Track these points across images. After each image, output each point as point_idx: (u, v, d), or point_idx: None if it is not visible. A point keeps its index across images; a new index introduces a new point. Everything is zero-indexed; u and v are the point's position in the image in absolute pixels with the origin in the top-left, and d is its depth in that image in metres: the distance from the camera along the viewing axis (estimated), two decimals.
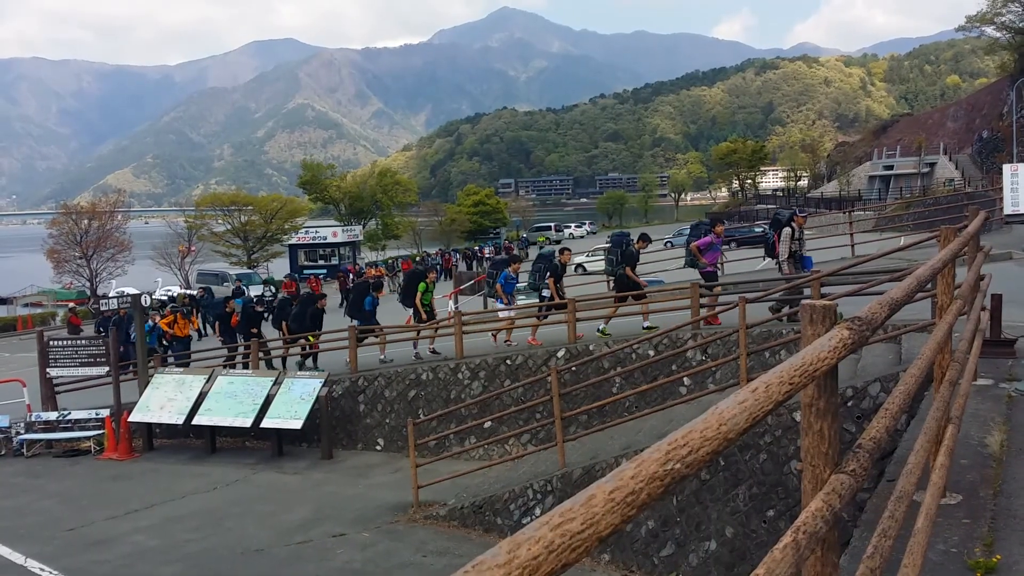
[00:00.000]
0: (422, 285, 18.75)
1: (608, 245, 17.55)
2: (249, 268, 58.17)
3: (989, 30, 74.53)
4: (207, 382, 19.08)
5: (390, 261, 56.36)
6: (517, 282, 18.48)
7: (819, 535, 1.95)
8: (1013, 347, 8.78)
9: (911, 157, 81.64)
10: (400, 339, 19.56)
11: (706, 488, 10.69)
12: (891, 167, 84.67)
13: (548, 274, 17.05)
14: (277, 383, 18.28)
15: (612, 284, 17.43)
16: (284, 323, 20.51)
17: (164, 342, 23.08)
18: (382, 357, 18.56)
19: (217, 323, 21.46)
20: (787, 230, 14.88)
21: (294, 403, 17.55)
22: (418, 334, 18.53)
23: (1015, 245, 22.10)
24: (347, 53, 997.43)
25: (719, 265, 17.07)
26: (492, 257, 48.91)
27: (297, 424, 17.26)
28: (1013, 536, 4.46)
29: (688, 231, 18.97)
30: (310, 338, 19.76)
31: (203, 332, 32.98)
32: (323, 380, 17.88)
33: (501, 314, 18.00)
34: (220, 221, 64.50)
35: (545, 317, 17.61)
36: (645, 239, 16.98)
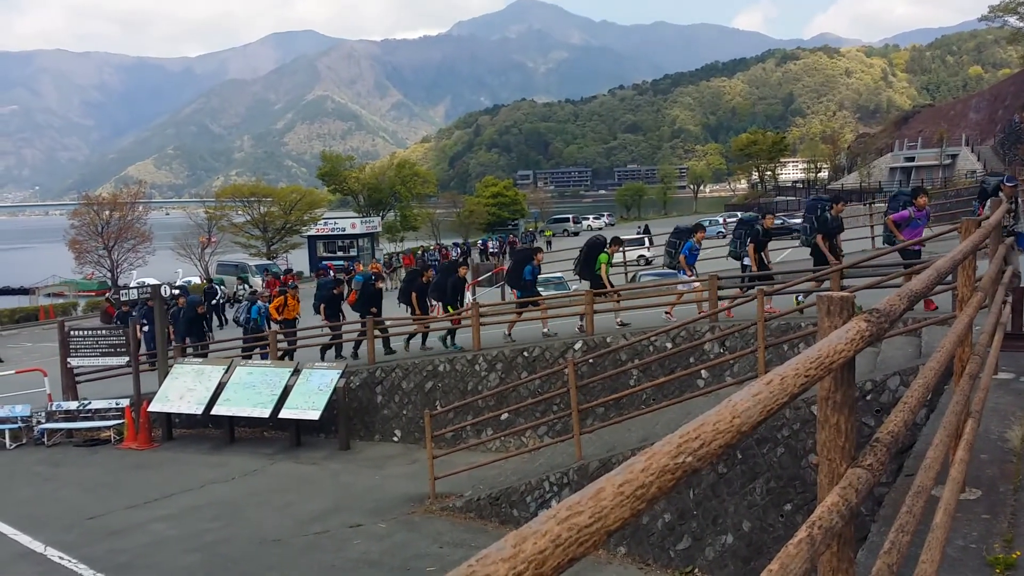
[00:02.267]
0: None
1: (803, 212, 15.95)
2: (268, 259, 58.43)
3: (1012, 20, 73.76)
4: (226, 372, 19.16)
5: (387, 257, 55.95)
6: (698, 255, 16.96)
7: (835, 530, 1.92)
8: None
9: (932, 149, 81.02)
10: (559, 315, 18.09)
11: (723, 481, 10.65)
12: (912, 159, 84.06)
13: (749, 240, 15.69)
14: (295, 373, 18.34)
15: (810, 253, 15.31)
16: (414, 295, 18.93)
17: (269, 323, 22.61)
18: (545, 331, 17.25)
19: (323, 306, 20.52)
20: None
21: (312, 394, 17.61)
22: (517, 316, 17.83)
23: None
24: (366, 45, 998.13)
25: (923, 244, 14.03)
26: (497, 251, 48.57)
27: (315, 415, 17.31)
28: None
29: (735, 223, 17.64)
30: (450, 309, 18.31)
31: (223, 322, 32.82)
32: (341, 371, 17.92)
33: (681, 287, 16.60)
34: (240, 212, 64.79)
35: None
36: (841, 200, 15.26)
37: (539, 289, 19.37)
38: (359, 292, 19.84)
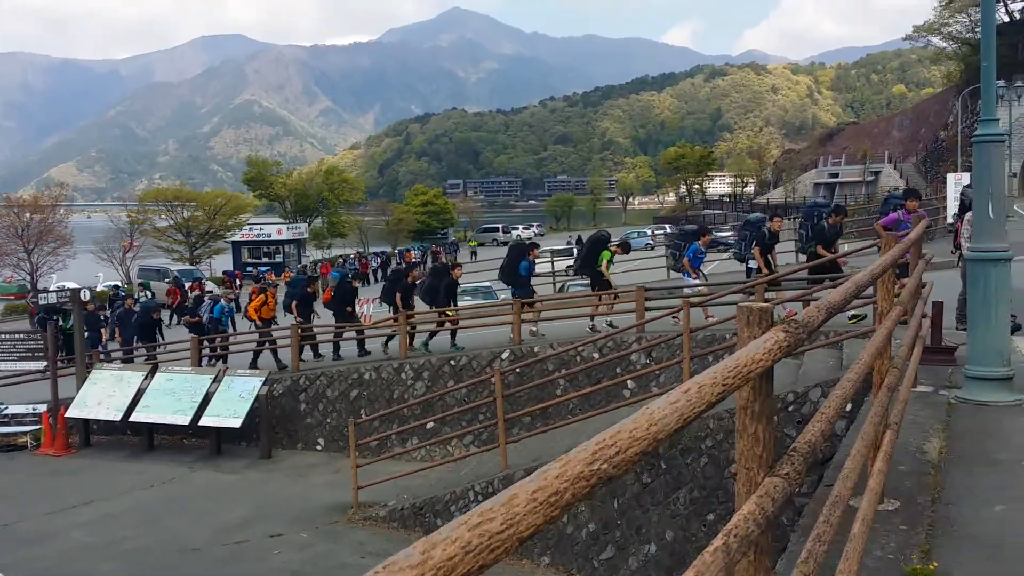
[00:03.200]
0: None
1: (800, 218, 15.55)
2: (192, 264, 57.34)
3: (936, 40, 76.08)
4: (146, 379, 18.74)
5: (304, 267, 54.70)
6: (705, 256, 16.67)
7: (751, 538, 1.93)
8: (953, 355, 8.91)
9: (856, 165, 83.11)
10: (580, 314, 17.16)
11: (647, 491, 10.73)
12: (836, 175, 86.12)
13: (755, 243, 15.03)
14: (216, 381, 18.00)
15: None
16: (399, 295, 18.07)
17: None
18: (533, 329, 16.77)
19: (295, 303, 19.70)
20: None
21: (233, 401, 17.30)
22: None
23: (946, 254, 22.55)
24: (295, 50, 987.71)
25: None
26: (419, 260, 48.25)
27: (236, 423, 17.01)
28: (950, 543, 4.50)
29: (743, 225, 16.69)
30: (448, 313, 17.62)
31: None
32: (264, 378, 17.65)
33: (687, 290, 15.83)
34: (163, 216, 63.49)
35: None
36: (840, 212, 14.72)
37: (466, 299, 19.23)
38: (334, 289, 19.45)
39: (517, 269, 16.95)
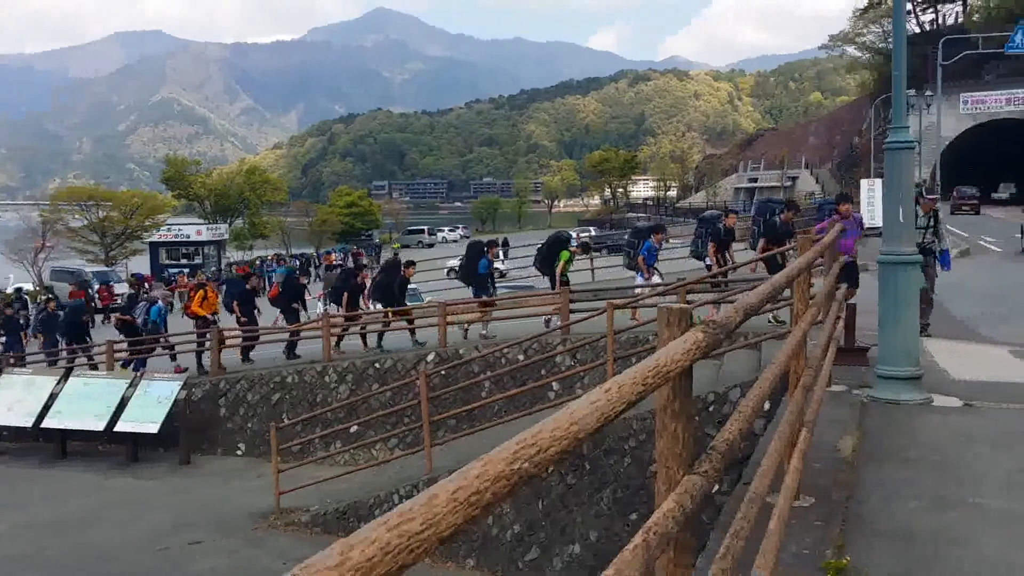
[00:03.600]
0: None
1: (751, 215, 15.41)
2: (107, 266, 55.92)
3: (851, 49, 78.18)
4: (59, 383, 18.23)
5: (212, 273, 53.27)
6: (658, 254, 16.49)
7: (670, 535, 1.96)
8: (866, 355, 9.16)
9: (775, 170, 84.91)
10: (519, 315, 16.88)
11: (572, 492, 10.80)
12: (756, 179, 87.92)
13: (711, 239, 14.85)
14: (133, 385, 17.59)
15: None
16: (347, 296, 17.66)
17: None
18: (484, 332, 16.49)
19: (236, 303, 18.77)
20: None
21: (151, 406, 16.91)
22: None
23: (871, 257, 23.15)
24: (217, 48, 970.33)
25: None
26: (340, 265, 47.75)
27: (154, 428, 16.63)
28: (863, 539, 4.63)
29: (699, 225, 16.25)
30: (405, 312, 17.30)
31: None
32: (182, 382, 17.31)
33: (638, 290, 15.73)
34: (77, 216, 61.79)
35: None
36: (793, 208, 14.49)
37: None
38: (281, 286, 18.96)
39: (476, 268, 16.81)
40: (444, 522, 1.09)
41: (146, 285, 34.48)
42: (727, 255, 15.15)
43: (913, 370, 7.66)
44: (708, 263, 15.14)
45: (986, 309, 15.60)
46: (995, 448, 6.30)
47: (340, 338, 17.96)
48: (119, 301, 33.49)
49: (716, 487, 2.54)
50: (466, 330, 16.69)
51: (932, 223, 12.14)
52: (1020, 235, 27.24)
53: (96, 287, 41.93)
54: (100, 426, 16.99)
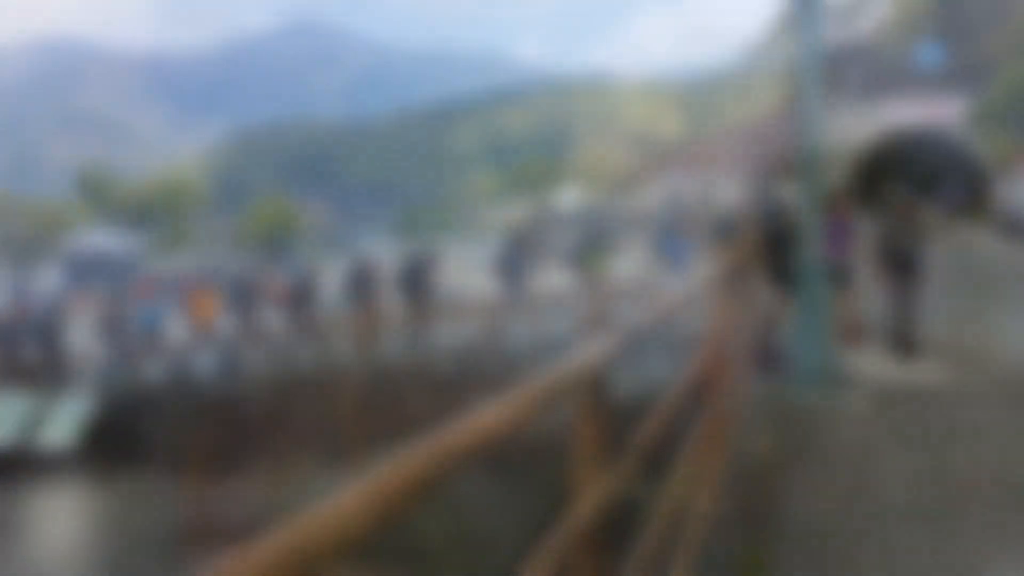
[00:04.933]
0: None
1: None
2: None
3: (772, 62, 79.90)
4: None
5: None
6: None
7: (586, 536, 1.99)
8: (781, 360, 9.36)
9: (698, 181, 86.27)
10: None
11: (494, 498, 10.75)
12: (680, 191, 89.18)
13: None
14: (35, 403, 16.90)
15: None
16: None
17: None
18: None
19: None
20: None
21: (55, 424, 16.25)
22: None
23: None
24: (136, 54, 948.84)
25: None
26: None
27: (59, 446, 15.99)
28: (779, 539, 4.73)
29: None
30: None
31: None
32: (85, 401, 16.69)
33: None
34: None
35: None
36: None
37: None
38: None
39: None
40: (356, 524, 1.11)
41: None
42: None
43: (829, 373, 7.87)
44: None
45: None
46: (904, 447, 6.50)
47: None
48: None
49: (634, 488, 2.58)
50: None
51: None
52: None
53: None
54: None
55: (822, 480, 5.75)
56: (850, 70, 43.06)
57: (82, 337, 19.90)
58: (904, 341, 9.73)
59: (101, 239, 60.88)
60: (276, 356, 17.94)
